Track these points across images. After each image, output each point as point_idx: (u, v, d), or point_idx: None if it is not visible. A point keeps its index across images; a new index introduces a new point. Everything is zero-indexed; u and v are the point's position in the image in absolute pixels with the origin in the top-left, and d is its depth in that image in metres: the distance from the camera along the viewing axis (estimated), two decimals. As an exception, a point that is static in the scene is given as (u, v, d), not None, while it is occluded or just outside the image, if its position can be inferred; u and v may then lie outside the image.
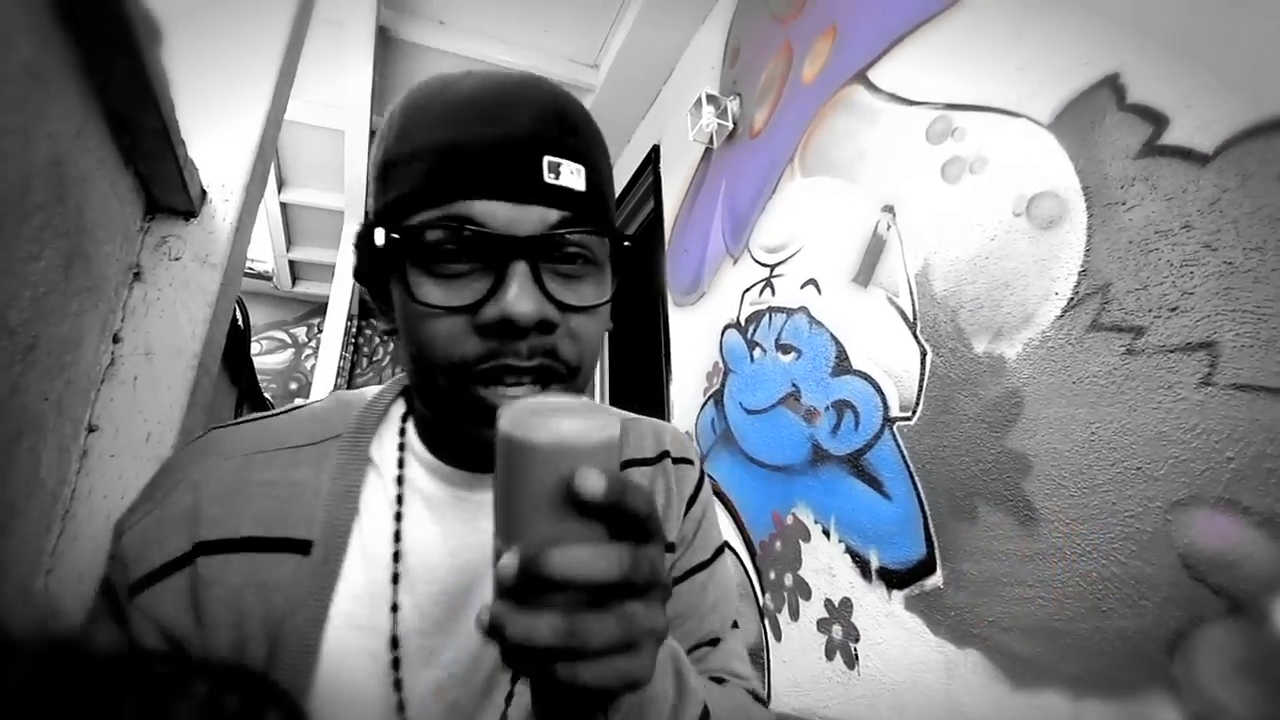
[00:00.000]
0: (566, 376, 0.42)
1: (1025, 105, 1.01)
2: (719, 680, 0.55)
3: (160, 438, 0.61)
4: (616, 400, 2.82)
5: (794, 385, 1.48)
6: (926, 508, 1.09)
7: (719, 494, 1.69)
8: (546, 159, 0.41)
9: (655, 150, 2.53)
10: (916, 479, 1.12)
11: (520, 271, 0.39)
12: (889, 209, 1.28)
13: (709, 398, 1.84)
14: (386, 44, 2.38)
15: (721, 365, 1.81)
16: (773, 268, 1.65)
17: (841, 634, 1.23)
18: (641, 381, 2.34)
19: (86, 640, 0.41)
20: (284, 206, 3.49)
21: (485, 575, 0.46)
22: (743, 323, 1.74)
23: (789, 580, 1.40)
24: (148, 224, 0.65)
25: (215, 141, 0.72)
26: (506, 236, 0.39)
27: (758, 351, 1.65)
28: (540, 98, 0.43)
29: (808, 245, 1.53)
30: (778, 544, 1.46)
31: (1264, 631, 0.65)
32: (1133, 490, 0.79)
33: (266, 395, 1.27)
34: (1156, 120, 0.83)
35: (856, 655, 1.19)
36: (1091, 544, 0.83)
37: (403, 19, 2.29)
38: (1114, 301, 0.85)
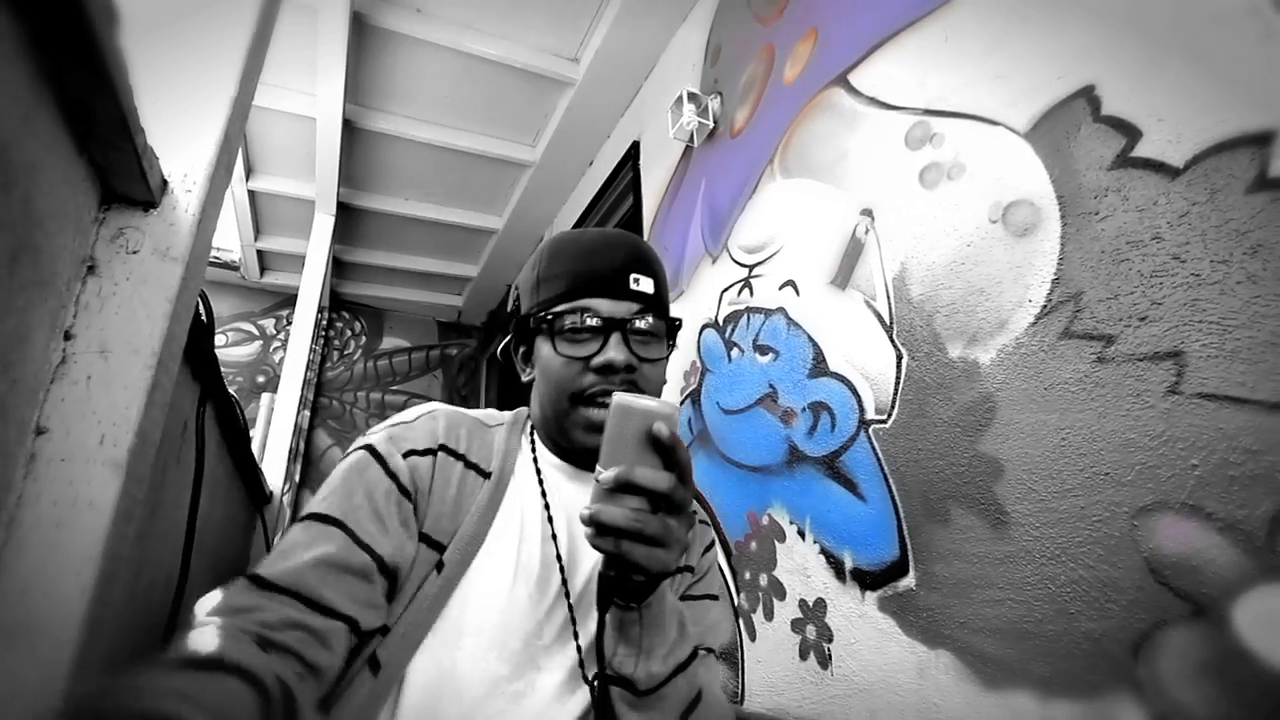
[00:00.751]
0: (643, 389, 0.71)
1: (1003, 114, 1.03)
2: None
3: (115, 439, 0.58)
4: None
5: (771, 386, 1.48)
6: (900, 510, 1.10)
7: (695, 494, 1.69)
8: (632, 275, 0.72)
9: (635, 146, 2.52)
10: (891, 481, 1.13)
11: (616, 338, 0.70)
12: (867, 212, 1.29)
13: (686, 397, 1.84)
14: (361, 31, 2.31)
15: (699, 365, 1.81)
16: (751, 268, 1.65)
17: (815, 634, 1.24)
18: (618, 379, 2.33)
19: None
20: (252, 195, 3.38)
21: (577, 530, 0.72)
22: (721, 322, 1.74)
23: (764, 580, 1.40)
24: (103, 215, 0.61)
25: (177, 129, 0.68)
26: (610, 318, 0.70)
27: (735, 352, 1.65)
28: (629, 241, 0.76)
29: (787, 246, 1.53)
30: (753, 544, 1.46)
31: (1225, 634, 0.67)
32: (1101, 495, 0.81)
33: (231, 390, 1.22)
34: (1130, 132, 0.84)
35: (830, 655, 1.20)
36: (1060, 547, 0.85)
37: (378, 6, 2.23)
38: (1086, 310, 0.86)
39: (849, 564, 1.19)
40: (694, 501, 0.59)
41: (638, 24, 2.26)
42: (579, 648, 0.68)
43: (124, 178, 0.59)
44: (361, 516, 0.62)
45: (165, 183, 0.65)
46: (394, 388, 4.73)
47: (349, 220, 3.54)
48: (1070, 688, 0.81)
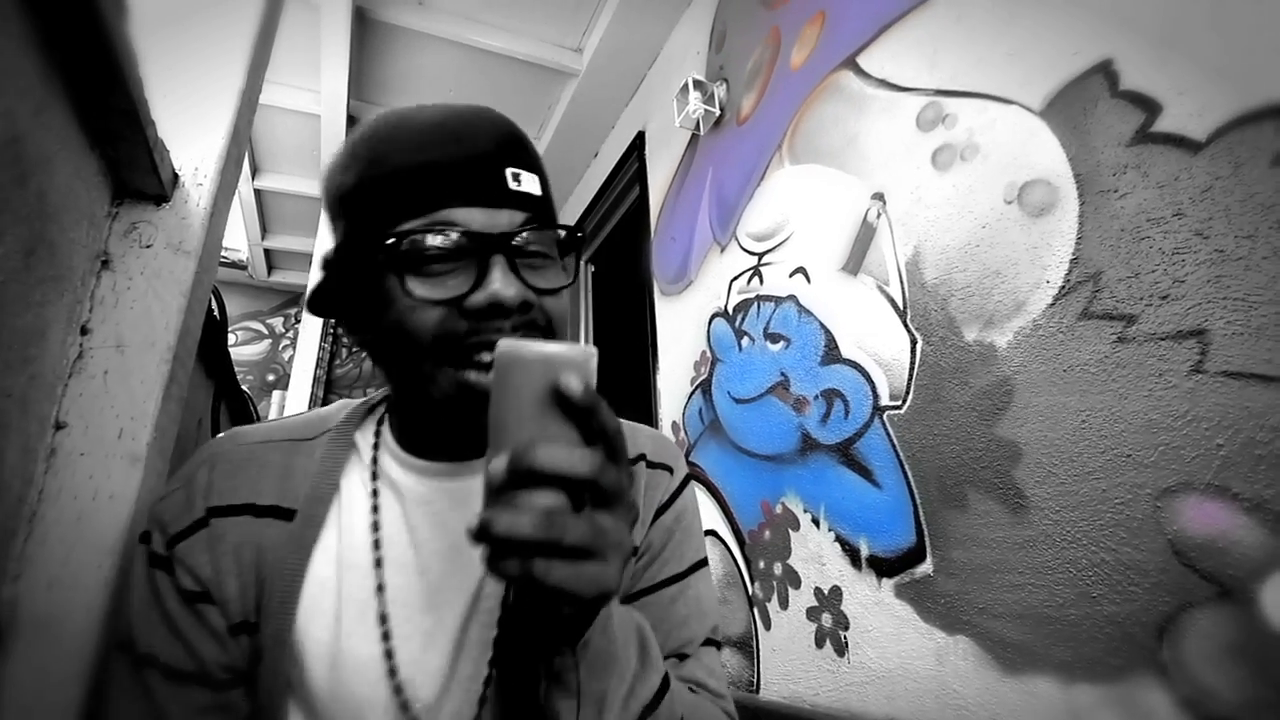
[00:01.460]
0: (545, 333, 0.49)
1: (1017, 92, 1.01)
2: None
3: (133, 434, 0.58)
4: (602, 392, 2.79)
5: (783, 374, 1.48)
6: (916, 496, 1.10)
7: (707, 483, 1.69)
8: (509, 170, 0.48)
9: (640, 136, 2.50)
10: (906, 467, 1.12)
11: (500, 263, 0.46)
12: (879, 196, 1.28)
13: (696, 387, 1.84)
14: (364, 26, 2.31)
15: (709, 354, 1.80)
16: (761, 256, 1.64)
17: (831, 622, 1.24)
18: (628, 371, 2.33)
19: None
20: (258, 193, 3.40)
21: (465, 554, 0.52)
22: (730, 311, 1.73)
23: (778, 569, 1.40)
24: (116, 209, 0.61)
25: (187, 123, 0.68)
26: (486, 234, 0.46)
27: (746, 340, 1.64)
28: (494, 120, 0.51)
29: (796, 233, 1.52)
30: (767, 533, 1.46)
31: (1252, 616, 0.66)
32: (1123, 477, 0.80)
33: (244, 388, 1.23)
34: (1149, 107, 0.82)
35: (846, 643, 1.20)
36: (1081, 531, 0.84)
37: (381, 0, 2.23)
38: (1105, 289, 0.85)
39: (865, 551, 1.19)
40: (628, 450, 0.39)
41: (641, 11, 2.24)
42: (482, 698, 0.49)
43: (136, 171, 0.59)
44: (163, 642, 0.49)
45: (176, 176, 0.65)
46: (403, 384, 4.74)
47: (355, 217, 3.54)
48: (1093, 672, 0.80)
